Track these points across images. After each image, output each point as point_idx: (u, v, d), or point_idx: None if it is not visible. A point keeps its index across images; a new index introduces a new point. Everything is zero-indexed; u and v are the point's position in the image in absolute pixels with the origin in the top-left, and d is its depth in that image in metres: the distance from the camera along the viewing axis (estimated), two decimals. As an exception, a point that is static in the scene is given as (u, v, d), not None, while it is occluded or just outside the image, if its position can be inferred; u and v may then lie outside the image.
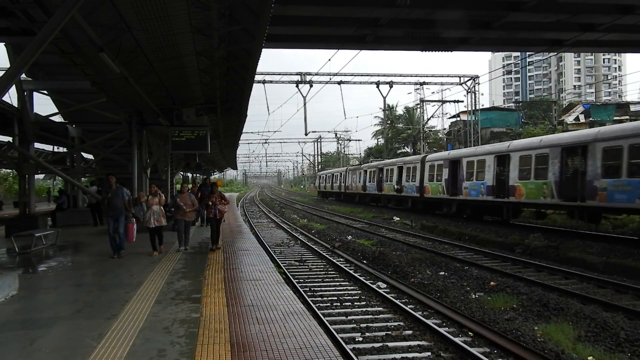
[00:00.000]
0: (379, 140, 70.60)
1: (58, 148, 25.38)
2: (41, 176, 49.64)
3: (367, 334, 7.02)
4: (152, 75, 11.50)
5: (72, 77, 14.65)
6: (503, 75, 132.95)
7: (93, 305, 6.65)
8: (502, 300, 8.84)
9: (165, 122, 14.78)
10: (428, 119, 49.90)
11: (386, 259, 12.89)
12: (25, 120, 15.11)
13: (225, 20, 9.07)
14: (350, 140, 79.46)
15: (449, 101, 42.74)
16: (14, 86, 12.54)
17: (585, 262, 12.25)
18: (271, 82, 34.65)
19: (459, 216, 23.01)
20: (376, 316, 8.01)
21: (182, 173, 37.06)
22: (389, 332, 7.07)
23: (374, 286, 9.87)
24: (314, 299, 9.03)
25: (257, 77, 23.98)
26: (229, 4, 8.37)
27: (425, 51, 17.82)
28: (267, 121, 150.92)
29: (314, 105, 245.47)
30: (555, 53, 68.09)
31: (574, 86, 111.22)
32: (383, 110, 52.22)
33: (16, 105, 15.58)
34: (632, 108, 53.47)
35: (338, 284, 10.59)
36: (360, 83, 37.03)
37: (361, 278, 10.65)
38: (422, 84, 39.84)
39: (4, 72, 7.24)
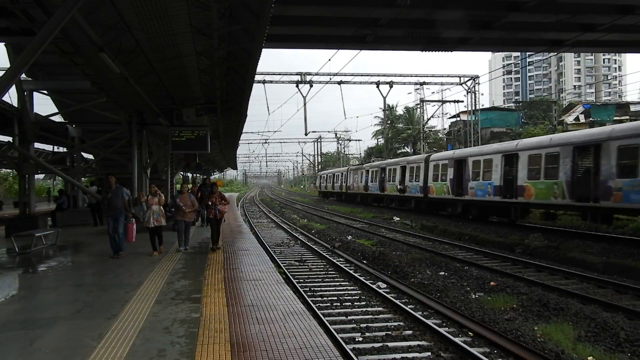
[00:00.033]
0: (379, 140, 70.63)
1: (58, 148, 25.38)
2: (41, 176, 49.70)
3: (367, 334, 7.02)
4: (152, 75, 11.50)
5: (72, 77, 14.65)
6: (503, 75, 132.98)
7: (93, 305, 6.65)
8: (502, 300, 8.84)
9: (165, 122, 14.77)
10: (428, 119, 49.95)
11: (386, 259, 12.89)
12: (25, 120, 15.11)
13: (225, 20, 9.07)
14: (350, 140, 79.57)
15: (449, 101, 42.80)
16: (14, 86, 12.54)
17: (585, 262, 12.25)
18: (271, 82, 34.68)
19: (464, 217, 22.56)
20: (376, 316, 8.01)
21: (182, 173, 37.06)
22: (389, 332, 7.07)
23: (374, 286, 9.87)
24: (314, 299, 9.03)
25: (257, 77, 23.98)
26: (229, 4, 8.37)
27: (425, 51, 17.82)
28: (267, 121, 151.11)
29: (314, 105, 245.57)
30: (555, 53, 68.09)
31: (574, 86, 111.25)
32: (383, 110, 52.26)
33: (16, 105, 15.57)
34: (632, 108, 53.47)
35: (338, 284, 10.59)
36: (360, 83, 37.07)
37: (361, 278, 10.65)
38: (422, 84, 39.86)
39: (4, 72, 7.24)
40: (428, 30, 15.67)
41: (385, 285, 10.18)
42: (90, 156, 24.23)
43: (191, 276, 8.62)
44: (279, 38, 15.86)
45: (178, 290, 7.52)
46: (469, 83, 39.26)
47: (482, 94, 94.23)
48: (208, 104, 15.13)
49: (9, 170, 41.47)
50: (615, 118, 47.32)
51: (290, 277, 10.68)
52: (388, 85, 37.10)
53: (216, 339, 5.15)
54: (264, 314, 6.18)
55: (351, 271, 11.55)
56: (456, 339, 6.50)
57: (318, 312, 7.88)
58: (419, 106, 47.06)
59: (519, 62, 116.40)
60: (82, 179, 25.66)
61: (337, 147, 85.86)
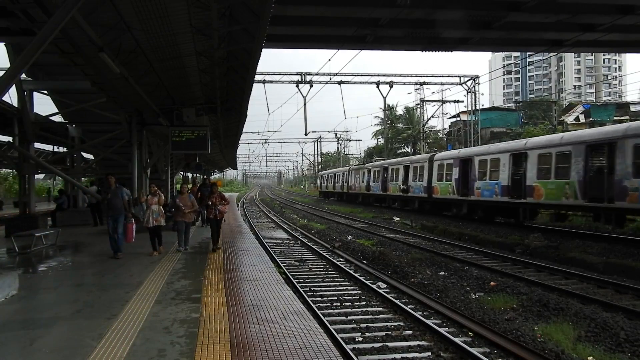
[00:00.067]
0: (379, 140, 70.65)
1: (58, 148, 25.39)
2: (41, 176, 49.71)
3: (367, 334, 7.02)
4: (152, 75, 11.50)
5: (72, 77, 14.66)
6: (503, 75, 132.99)
7: (93, 305, 6.65)
8: (502, 300, 8.84)
9: (165, 122, 14.77)
10: (428, 119, 49.94)
11: (386, 259, 12.89)
12: (25, 120, 15.11)
13: (225, 20, 9.07)
14: (350, 140, 79.63)
15: (449, 101, 42.80)
16: (14, 86, 12.54)
17: (585, 262, 12.25)
18: (271, 82, 34.68)
19: (469, 218, 22.05)
20: (376, 316, 8.01)
21: (182, 173, 37.06)
22: (389, 332, 7.07)
23: (374, 286, 9.86)
24: (314, 299, 9.03)
25: (257, 77, 23.97)
26: (229, 4, 8.37)
27: (426, 51, 17.82)
28: (267, 121, 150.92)
29: (314, 105, 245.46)
30: (555, 53, 68.09)
31: (574, 86, 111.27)
32: (383, 110, 52.25)
33: (16, 105, 15.58)
34: (632, 108, 53.48)
35: (338, 284, 10.59)
36: (360, 83, 37.07)
37: (361, 278, 10.65)
38: (422, 84, 39.86)
39: (4, 72, 7.24)
40: (428, 30, 15.67)
41: (385, 285, 10.17)
42: (90, 156, 24.24)
43: (191, 276, 8.62)
44: (279, 38, 15.87)
45: (178, 290, 7.52)
46: (469, 83, 39.27)
47: (482, 94, 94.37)
48: (208, 104, 15.13)
49: (9, 170, 41.47)
50: (615, 118, 47.34)
51: (290, 277, 10.67)
52: (388, 85, 37.10)
53: (216, 339, 5.16)
54: (264, 314, 6.18)
55: (351, 271, 11.54)
56: (456, 339, 6.50)
57: (318, 312, 7.88)
58: (419, 106, 47.09)
59: (519, 62, 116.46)
60: (82, 179, 25.65)
61: (337, 147, 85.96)
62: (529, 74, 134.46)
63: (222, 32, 9.44)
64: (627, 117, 46.49)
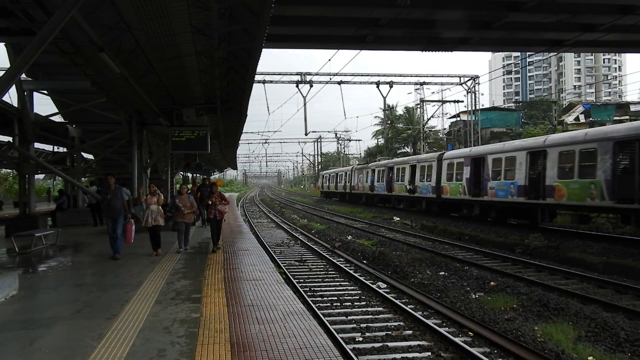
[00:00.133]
0: (379, 140, 70.68)
1: (58, 148, 25.38)
2: (41, 176, 49.70)
3: (367, 334, 7.02)
4: (152, 75, 11.50)
5: (72, 77, 14.65)
6: (503, 75, 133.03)
7: (93, 305, 6.65)
8: (502, 300, 8.84)
9: (165, 122, 14.78)
10: (428, 119, 49.95)
11: (386, 259, 12.89)
12: (25, 120, 15.11)
13: (226, 20, 9.07)
14: (350, 140, 79.69)
15: (449, 101, 42.81)
16: (14, 86, 12.54)
17: (585, 262, 12.25)
18: (271, 82, 34.69)
19: (481, 219, 21.22)
20: (376, 316, 8.01)
21: (182, 173, 37.06)
22: (389, 332, 7.07)
23: (374, 286, 9.86)
24: (314, 299, 9.03)
25: (257, 77, 23.97)
26: (229, 4, 8.37)
27: (425, 51, 17.82)
28: (267, 121, 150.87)
29: (314, 105, 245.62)
30: (555, 53, 68.11)
31: (574, 86, 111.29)
32: (383, 110, 52.31)
33: (16, 105, 15.57)
34: (632, 108, 53.50)
35: (338, 284, 10.58)
36: (360, 83, 37.08)
37: (361, 278, 10.65)
38: (422, 84, 39.88)
39: (4, 72, 7.24)
40: (428, 30, 15.67)
41: (385, 285, 10.17)
42: (90, 156, 24.23)
43: (191, 276, 8.62)
44: (279, 38, 15.87)
45: (178, 290, 7.52)
46: (469, 83, 39.28)
47: (482, 94, 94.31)
48: (208, 104, 15.14)
49: (9, 170, 41.47)
50: (615, 118, 47.36)
51: (290, 277, 10.67)
52: (388, 85, 37.10)
53: (216, 339, 5.15)
54: (264, 314, 6.18)
55: (351, 271, 11.54)
56: (456, 339, 6.50)
57: (318, 312, 7.88)
58: (419, 106, 47.09)
59: (519, 62, 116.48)
60: (82, 179, 25.65)
61: (337, 147, 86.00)
62: (529, 74, 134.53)
63: (222, 32, 9.44)
64: (627, 117, 46.50)
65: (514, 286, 9.75)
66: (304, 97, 35.28)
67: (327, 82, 34.54)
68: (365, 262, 12.96)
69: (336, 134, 75.90)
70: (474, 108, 40.13)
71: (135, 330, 5.45)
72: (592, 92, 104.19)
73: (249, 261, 10.46)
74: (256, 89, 52.46)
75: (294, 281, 10.33)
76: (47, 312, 6.41)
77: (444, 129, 58.22)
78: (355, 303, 8.85)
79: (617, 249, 13.24)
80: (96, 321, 5.82)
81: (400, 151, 62.59)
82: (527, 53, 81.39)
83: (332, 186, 51.24)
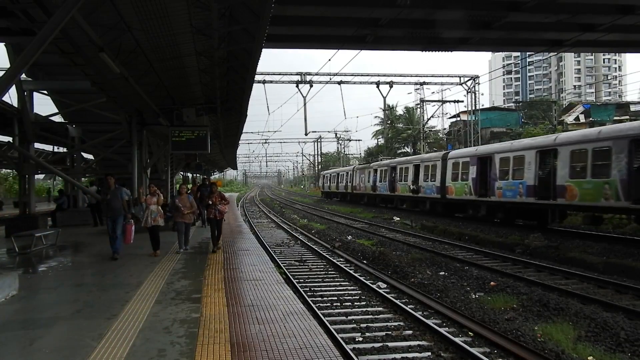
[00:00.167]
0: (379, 140, 70.70)
1: (58, 148, 25.39)
2: (41, 176, 49.70)
3: (367, 334, 7.02)
4: (152, 75, 11.50)
5: (72, 77, 14.65)
6: (503, 75, 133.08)
7: (93, 305, 6.65)
8: (502, 300, 8.84)
9: (165, 122, 14.77)
10: (428, 119, 49.94)
11: (386, 259, 12.89)
12: (25, 120, 15.11)
13: (225, 20, 9.07)
14: (350, 140, 79.74)
15: (449, 101, 42.81)
16: (14, 86, 12.54)
17: (585, 262, 12.25)
18: (271, 82, 34.69)
19: (488, 220, 20.72)
20: (376, 316, 8.01)
21: (182, 173, 37.07)
22: (389, 332, 7.07)
23: (374, 286, 9.86)
24: (314, 299, 9.03)
25: (257, 77, 23.98)
26: (229, 4, 8.37)
27: (425, 51, 17.82)
28: (267, 121, 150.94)
29: (314, 105, 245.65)
30: (555, 53, 68.11)
31: (574, 86, 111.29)
32: (383, 110, 52.34)
33: (16, 105, 15.58)
34: (632, 108, 53.52)
35: (338, 284, 10.58)
36: (360, 83, 37.08)
37: (361, 278, 10.65)
38: (422, 84, 39.88)
39: (4, 72, 7.24)
40: (428, 30, 15.67)
41: (385, 285, 10.17)
42: (90, 156, 24.24)
43: (191, 276, 8.62)
44: (279, 38, 15.87)
45: (178, 290, 7.52)
46: (469, 83, 39.29)
47: (482, 94, 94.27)
48: (208, 104, 15.13)
49: (9, 170, 41.46)
50: (615, 118, 47.37)
51: (291, 277, 10.67)
52: (388, 85, 37.08)
53: (216, 339, 5.15)
54: (264, 314, 6.18)
55: (351, 271, 11.54)
56: (456, 339, 6.50)
57: (318, 312, 7.88)
58: (419, 106, 47.10)
59: (519, 62, 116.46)
60: (82, 179, 25.66)
61: (337, 147, 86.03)
62: (529, 74, 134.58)
63: (222, 32, 9.44)
64: (627, 117, 46.51)
65: (514, 286, 9.75)
66: (304, 97, 35.31)
67: (327, 82, 34.57)
68: (365, 262, 12.96)
69: (336, 134, 76.02)
70: (474, 108, 40.14)
71: (135, 330, 5.45)
72: (592, 92, 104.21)
73: (249, 261, 10.46)
74: (256, 89, 52.42)
75: (294, 281, 10.33)
76: (47, 312, 6.41)
77: (444, 129, 58.26)
78: (355, 303, 8.85)
79: (617, 249, 13.23)
80: (96, 321, 5.82)
81: (400, 151, 62.61)
82: (527, 53, 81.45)
83: (333, 186, 50.66)
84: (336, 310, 8.34)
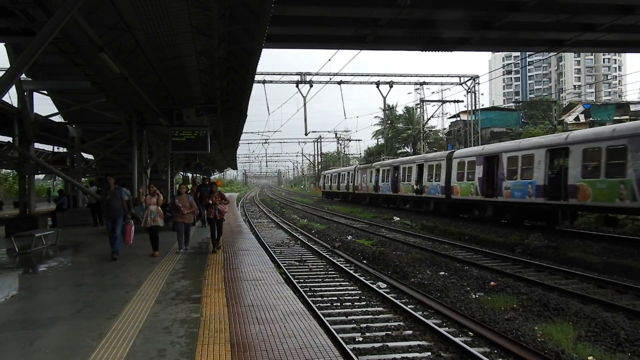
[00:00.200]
0: (379, 140, 70.72)
1: (58, 148, 25.39)
2: (41, 176, 49.69)
3: (367, 334, 7.02)
4: (152, 75, 11.50)
5: (72, 77, 14.65)
6: (503, 75, 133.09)
7: (93, 305, 6.65)
8: (502, 300, 8.84)
9: (165, 122, 14.78)
10: (428, 119, 49.94)
11: (386, 259, 12.89)
12: (25, 121, 15.12)
13: (225, 21, 9.07)
14: (350, 140, 79.78)
15: (449, 101, 42.81)
16: (14, 86, 12.54)
17: (585, 262, 12.25)
18: (271, 82, 34.69)
19: (496, 221, 20.27)
20: (376, 316, 8.01)
21: (182, 173, 37.07)
22: (389, 332, 7.07)
23: (374, 286, 9.86)
24: (314, 299, 9.03)
25: (257, 77, 23.98)
26: (229, 4, 8.37)
27: (425, 51, 17.81)
28: (267, 121, 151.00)
29: (314, 105, 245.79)
30: (555, 53, 68.12)
31: (574, 86, 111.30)
32: (383, 110, 52.36)
33: (16, 105, 15.58)
34: (632, 108, 53.54)
35: (338, 284, 10.58)
36: (360, 83, 37.07)
37: (361, 278, 10.65)
38: (422, 84, 39.88)
39: (4, 72, 7.24)
40: (428, 30, 15.67)
41: (385, 285, 10.17)
42: (90, 156, 24.24)
43: (191, 276, 8.61)
44: (279, 38, 15.87)
45: (178, 290, 7.52)
46: (469, 83, 39.29)
47: (482, 94, 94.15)
48: (208, 104, 15.13)
49: (9, 171, 41.47)
50: (615, 118, 47.38)
51: (291, 277, 10.67)
52: (388, 85, 37.08)
53: (216, 339, 5.15)
54: (264, 314, 6.18)
55: (351, 271, 11.54)
56: (456, 339, 6.50)
57: (318, 312, 7.88)
58: (419, 106, 47.11)
59: (519, 62, 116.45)
60: (82, 179, 25.66)
61: (337, 147, 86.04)
62: (529, 74, 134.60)
63: (222, 32, 9.44)
64: (627, 117, 46.53)
65: (514, 286, 9.75)
66: (304, 97, 35.31)
67: (327, 82, 34.57)
68: (365, 262, 12.96)
69: (336, 134, 76.03)
70: (474, 108, 40.14)
71: (135, 330, 5.45)
72: (592, 92, 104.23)
73: (249, 261, 10.46)
74: (256, 89, 52.43)
75: (294, 281, 10.33)
76: (47, 312, 6.41)
77: (444, 129, 58.28)
78: (356, 303, 8.85)
79: (617, 249, 13.23)
80: (96, 321, 5.82)
81: (400, 151, 62.61)
82: (527, 53, 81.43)
83: (334, 186, 50.06)
84: (336, 310, 8.34)
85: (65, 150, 23.85)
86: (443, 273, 11.49)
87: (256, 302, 6.78)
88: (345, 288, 10.10)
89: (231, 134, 25.18)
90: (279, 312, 6.23)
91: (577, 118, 52.16)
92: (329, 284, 10.57)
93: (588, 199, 14.72)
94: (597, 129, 18.52)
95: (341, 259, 13.53)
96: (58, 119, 19.22)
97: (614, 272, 11.19)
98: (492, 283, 10.15)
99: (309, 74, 34.82)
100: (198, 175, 40.26)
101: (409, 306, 8.33)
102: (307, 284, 10.39)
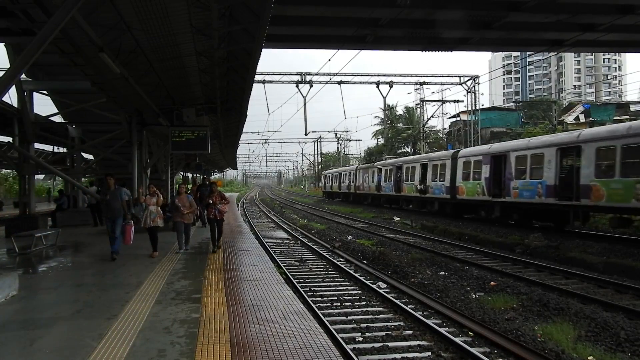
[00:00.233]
0: (378, 140, 70.70)
1: (58, 148, 25.40)
2: (41, 176, 49.69)
3: (367, 334, 7.02)
4: (152, 75, 11.50)
5: (72, 77, 14.65)
6: (503, 75, 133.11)
7: (93, 306, 6.65)
8: (502, 300, 8.84)
9: (165, 122, 14.77)
10: (428, 119, 49.92)
11: (386, 259, 12.89)
12: (25, 121, 15.11)
13: (225, 21, 9.07)
14: (350, 140, 79.78)
15: (449, 101, 42.78)
16: (14, 86, 12.54)
17: (585, 262, 12.25)
18: (271, 82, 34.65)
19: (503, 221, 19.86)
20: (376, 316, 8.01)
21: (182, 173, 37.07)
22: (389, 332, 7.07)
23: (374, 286, 9.86)
24: (314, 299, 9.03)
25: (257, 77, 23.99)
26: (229, 4, 8.37)
27: (425, 51, 17.82)
28: (267, 121, 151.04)
29: (314, 105, 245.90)
30: (555, 53, 68.10)
31: (574, 86, 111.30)
32: (383, 110, 52.37)
33: (16, 106, 15.58)
34: (632, 108, 53.54)
35: (338, 284, 10.58)
36: (360, 83, 37.03)
37: (361, 278, 10.64)
38: (422, 84, 39.83)
39: (4, 72, 7.24)
40: (428, 30, 15.67)
41: (385, 285, 10.17)
42: (90, 156, 24.24)
43: (191, 276, 8.62)
44: (279, 38, 15.88)
45: (178, 290, 7.52)
46: (469, 83, 39.27)
47: (482, 94, 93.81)
48: (208, 104, 15.13)
49: (9, 171, 41.46)
50: (615, 118, 47.39)
51: (291, 277, 10.67)
52: (388, 85, 37.01)
53: (216, 339, 5.15)
54: (264, 314, 6.18)
55: (351, 271, 11.54)
56: (456, 339, 6.50)
57: (318, 312, 7.88)
58: (419, 106, 47.10)
59: (519, 62, 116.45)
60: (82, 179, 25.66)
61: (337, 147, 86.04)
62: (529, 74, 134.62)
63: (222, 32, 9.44)
64: (627, 117, 46.52)
65: (514, 286, 9.75)
66: (304, 97, 35.26)
67: (327, 82, 34.52)
68: (365, 262, 12.96)
69: (336, 134, 76.05)
70: (474, 108, 40.13)
71: (135, 330, 5.45)
72: (592, 92, 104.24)
73: (249, 261, 10.46)
74: (256, 89, 52.45)
75: (294, 281, 10.33)
76: (47, 312, 6.40)
77: (444, 128, 58.28)
78: (356, 303, 8.85)
79: (617, 249, 13.23)
80: (96, 321, 5.82)
81: (400, 151, 62.59)
82: (527, 53, 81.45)
83: (335, 186, 49.48)
84: (336, 310, 8.34)
85: (65, 150, 23.86)
86: (443, 273, 11.49)
87: (256, 302, 6.78)
88: (345, 288, 10.10)
89: (231, 134, 25.18)
90: (279, 312, 6.23)
91: (577, 118, 52.17)
92: (329, 284, 10.57)
93: (602, 200, 14.29)
94: (611, 126, 18.14)
95: (341, 259, 13.53)
96: (58, 119, 19.22)
97: (614, 272, 11.19)
98: (492, 283, 10.15)
99: (309, 74, 34.80)
100: (198, 175, 40.25)
101: (409, 306, 8.33)
102: (307, 284, 10.39)
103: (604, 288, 9.89)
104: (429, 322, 7.29)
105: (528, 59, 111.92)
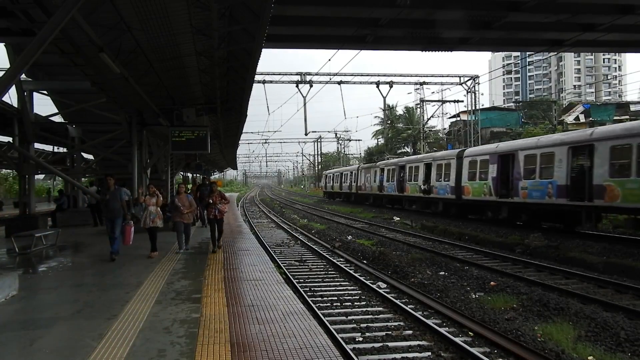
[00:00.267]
0: (378, 140, 70.71)
1: (58, 148, 25.40)
2: (41, 176, 49.70)
3: (367, 334, 7.02)
4: (152, 75, 11.50)
5: (72, 77, 14.65)
6: (503, 75, 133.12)
7: (93, 306, 6.65)
8: (502, 300, 8.84)
9: (165, 123, 14.77)
10: (428, 119, 49.91)
11: (386, 259, 12.89)
12: (25, 121, 15.11)
13: (225, 21, 9.07)
14: (350, 140, 79.78)
15: (449, 101, 42.77)
16: (14, 86, 12.53)
17: (585, 262, 12.25)
18: (271, 82, 34.64)
19: (511, 222, 19.33)
20: (376, 316, 8.01)
21: (182, 173, 37.06)
22: (389, 332, 7.07)
23: (374, 286, 9.86)
24: (314, 299, 9.03)
25: (257, 77, 23.98)
26: (229, 4, 8.37)
27: (425, 51, 17.82)
28: (267, 121, 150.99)
29: (314, 105, 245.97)
30: (555, 53, 68.11)
31: (574, 86, 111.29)
32: (383, 110, 52.37)
33: (16, 106, 15.58)
34: (632, 108, 53.53)
35: (338, 284, 10.59)
36: (360, 83, 37.02)
37: (361, 278, 10.65)
38: (422, 84, 39.82)
39: (4, 72, 7.24)
40: (428, 30, 15.67)
41: (385, 285, 10.17)
42: (90, 156, 24.24)
43: (191, 276, 8.61)
44: (279, 38, 15.88)
45: (178, 290, 7.52)
46: (469, 83, 39.26)
47: (482, 94, 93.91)
48: (208, 104, 15.13)
49: (9, 171, 41.46)
50: (615, 118, 47.38)
51: (291, 277, 10.68)
52: (388, 85, 37.00)
53: (216, 339, 5.15)
54: (264, 314, 6.18)
55: (351, 271, 11.55)
56: (456, 339, 6.50)
57: (318, 312, 7.88)
58: (419, 106, 47.10)
59: (519, 62, 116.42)
60: (82, 179, 25.67)
61: (337, 147, 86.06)
62: (529, 74, 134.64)
63: (222, 32, 9.44)
64: (627, 117, 46.53)
65: (514, 286, 9.75)
66: (304, 97, 35.24)
67: (327, 82, 34.51)
68: (365, 262, 12.96)
69: (336, 134, 76.09)
70: (474, 108, 40.13)
71: (135, 330, 5.45)
72: (592, 92, 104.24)
73: (249, 261, 10.46)
74: (256, 89, 52.45)
75: (294, 281, 10.33)
76: (47, 312, 6.41)
77: (444, 128, 58.28)
78: (355, 303, 8.85)
79: (617, 248, 13.23)
80: (96, 321, 5.82)
81: (400, 151, 62.58)
82: (527, 53, 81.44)
83: (336, 186, 48.61)
84: (336, 310, 8.34)
85: (65, 150, 23.86)
86: (443, 273, 11.49)
87: (256, 302, 6.78)
88: (345, 288, 10.10)
89: (231, 134, 25.18)
90: (279, 312, 6.23)
91: (577, 118, 52.17)
92: (329, 284, 10.57)
93: (617, 200, 13.85)
94: (627, 124, 17.60)
95: (341, 259, 13.53)
96: (58, 119, 19.23)
97: (614, 272, 11.20)
98: (492, 283, 10.15)
99: (309, 74, 34.79)
100: (198, 175, 40.24)
101: (409, 306, 8.33)
102: (307, 284, 10.39)
103: (604, 288, 9.89)
104: (429, 322, 7.29)
105: (528, 59, 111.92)
